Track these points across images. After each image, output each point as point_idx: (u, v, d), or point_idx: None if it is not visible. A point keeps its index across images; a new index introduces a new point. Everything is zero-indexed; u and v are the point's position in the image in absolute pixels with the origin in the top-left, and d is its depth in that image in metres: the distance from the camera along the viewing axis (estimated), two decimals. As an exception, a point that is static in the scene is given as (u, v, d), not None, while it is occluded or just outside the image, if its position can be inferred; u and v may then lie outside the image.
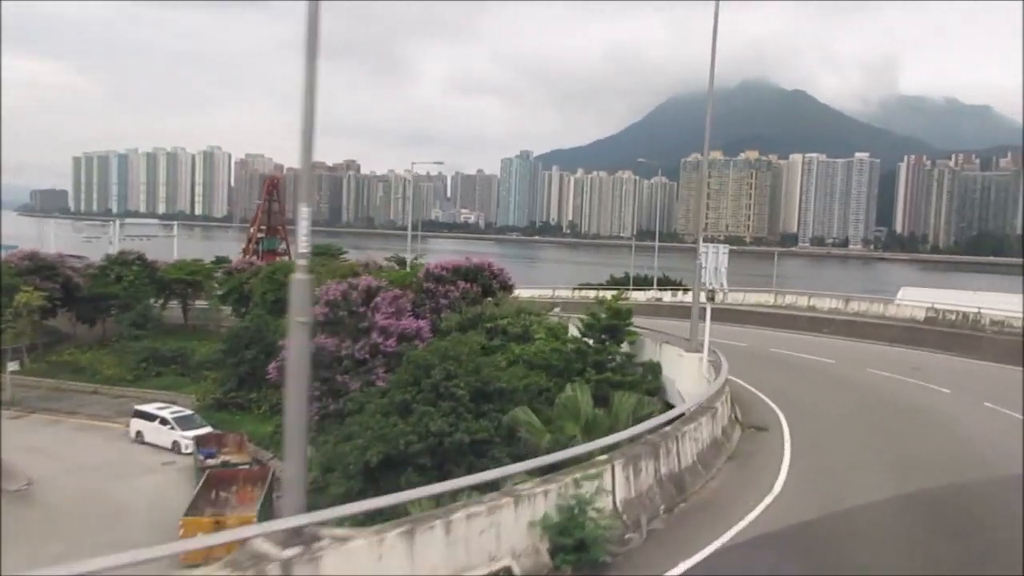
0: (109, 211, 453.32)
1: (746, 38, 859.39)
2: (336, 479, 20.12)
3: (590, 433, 19.28)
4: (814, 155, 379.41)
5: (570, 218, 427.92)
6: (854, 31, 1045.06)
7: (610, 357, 24.59)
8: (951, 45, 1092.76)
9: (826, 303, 46.98)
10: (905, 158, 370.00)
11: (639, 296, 62.63)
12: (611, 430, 20.11)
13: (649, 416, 19.95)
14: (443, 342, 23.39)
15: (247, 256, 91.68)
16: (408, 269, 47.34)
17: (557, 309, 46.02)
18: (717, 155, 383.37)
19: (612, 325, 25.36)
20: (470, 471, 20.14)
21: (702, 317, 19.84)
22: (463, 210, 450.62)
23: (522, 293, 71.41)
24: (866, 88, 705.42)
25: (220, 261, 72.48)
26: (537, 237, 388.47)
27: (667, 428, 11.48)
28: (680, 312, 42.26)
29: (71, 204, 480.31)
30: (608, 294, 67.44)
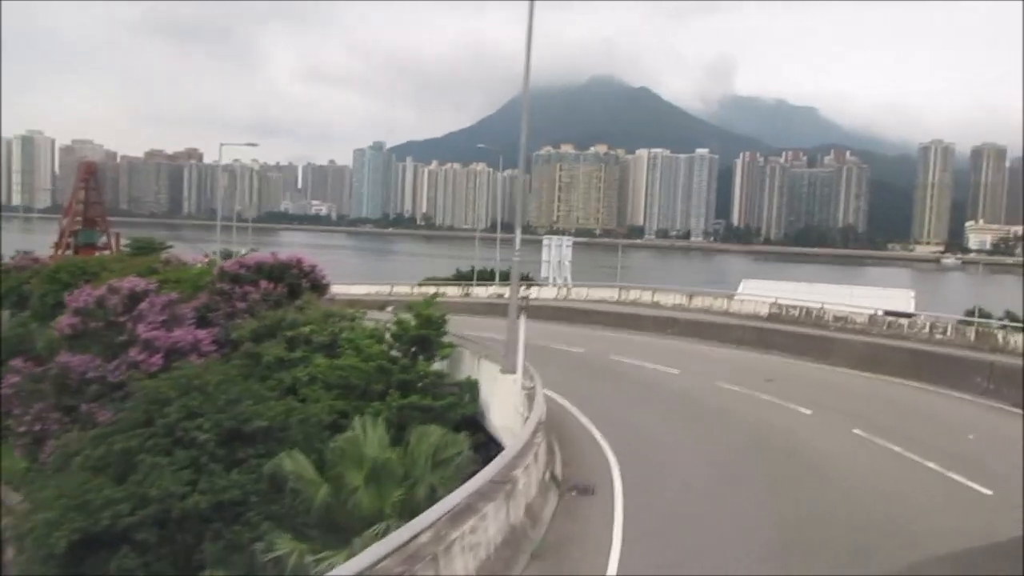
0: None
1: (595, 36, 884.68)
2: (25, 563, 14.47)
3: (377, 482, 14.71)
4: (659, 150, 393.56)
5: (424, 210, 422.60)
6: (694, 32, 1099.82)
7: (420, 375, 20.06)
8: (781, 49, 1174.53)
9: (670, 298, 44.88)
10: (741, 155, 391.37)
11: (480, 292, 58.76)
12: (405, 477, 15.61)
13: (454, 460, 15.68)
14: (187, 369, 17.99)
15: (60, 251, 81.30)
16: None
17: (389, 309, 40.97)
18: (569, 148, 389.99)
19: (422, 336, 20.83)
20: (216, 541, 15.05)
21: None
22: (314, 202, 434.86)
23: (358, 290, 65.68)
24: (706, 88, 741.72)
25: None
26: (391, 229, 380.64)
27: (426, 536, 7.02)
28: (535, 313, 38.54)
29: None
30: (450, 289, 63.42)
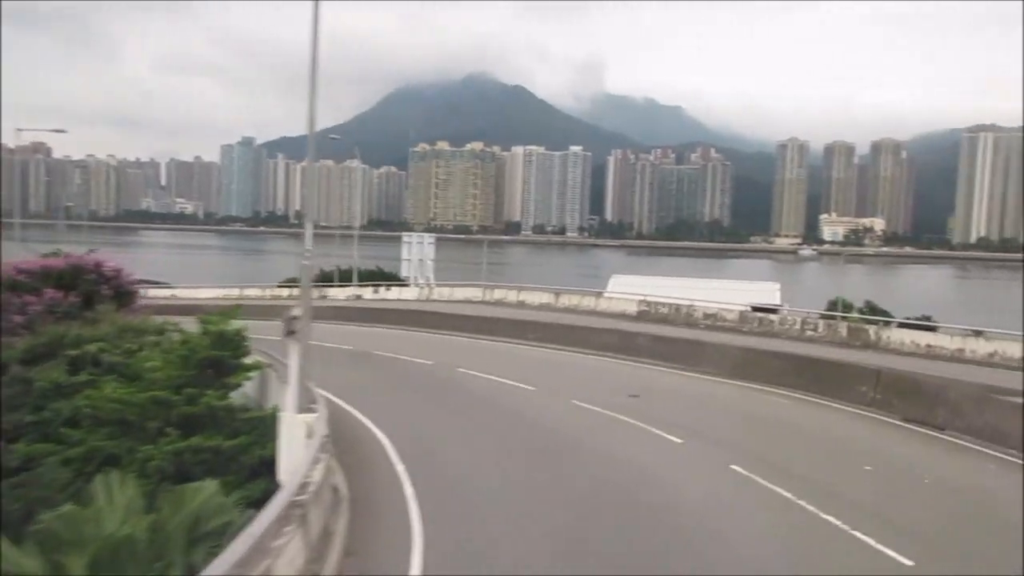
0: None
1: (470, 34, 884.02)
2: None
3: (114, 569, 10.58)
4: (534, 148, 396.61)
5: (298, 208, 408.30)
6: (565, 32, 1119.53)
7: (210, 408, 15.84)
8: (648, 49, 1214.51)
9: (537, 297, 42.16)
10: (613, 152, 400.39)
11: (338, 294, 54.24)
12: (156, 558, 11.55)
13: (222, 532, 11.73)
14: None
15: None
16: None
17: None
18: (444, 145, 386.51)
19: (214, 358, 16.60)
20: None
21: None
22: (179, 200, 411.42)
23: (204, 293, 59.36)
24: (577, 86, 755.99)
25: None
26: (263, 228, 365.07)
27: None
28: (388, 317, 34.58)
29: None
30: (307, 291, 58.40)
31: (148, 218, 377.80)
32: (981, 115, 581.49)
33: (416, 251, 51.48)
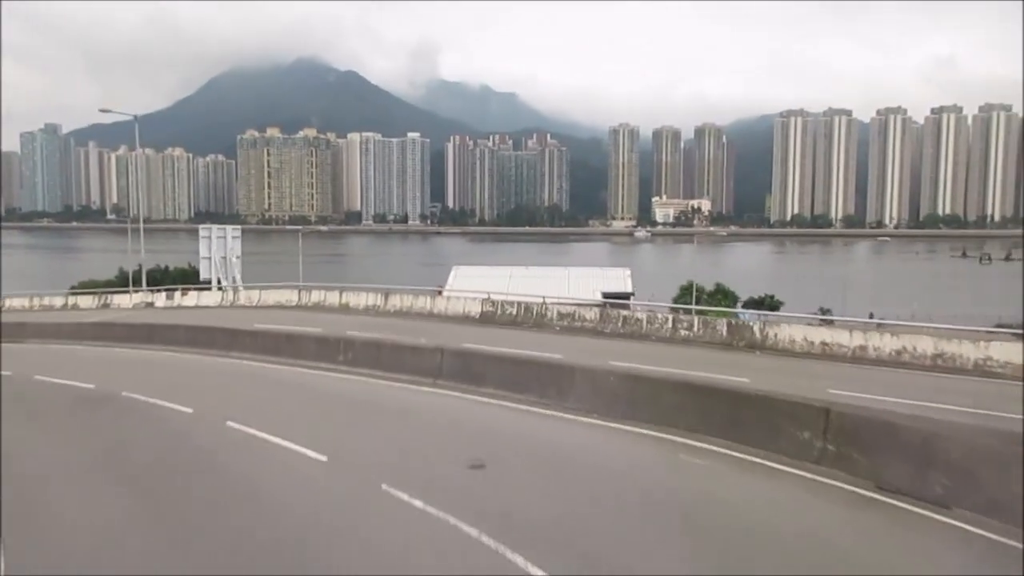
0: None
1: (297, 16, 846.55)
2: None
3: None
4: (371, 134, 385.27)
5: (115, 200, 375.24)
6: (397, 17, 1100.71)
7: None
8: (481, 35, 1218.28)
9: (363, 299, 35.47)
10: (451, 138, 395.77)
11: (124, 301, 44.95)
12: None
13: None
14: None
15: None
16: None
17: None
18: (276, 132, 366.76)
19: None
20: None
21: None
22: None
23: None
24: (412, 72, 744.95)
25: None
26: (76, 224, 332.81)
27: None
28: (166, 336, 26.73)
29: None
30: (85, 299, 48.23)
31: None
32: (790, 103, 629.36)
33: (218, 247, 43.16)
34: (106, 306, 45.09)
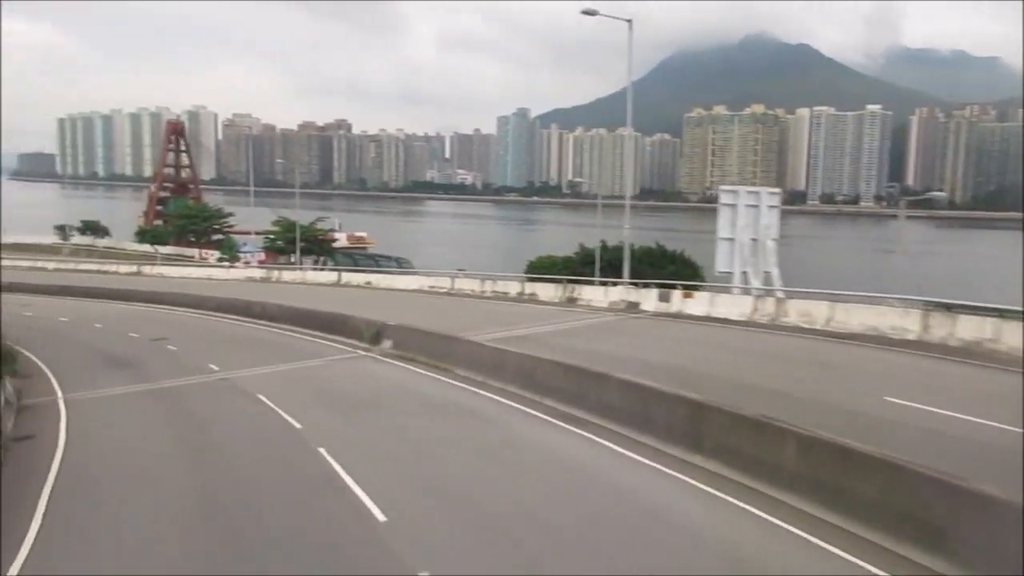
0: (95, 174, 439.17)
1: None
2: None
3: None
4: (823, 109, 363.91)
5: (570, 178, 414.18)
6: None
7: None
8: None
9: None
10: (917, 111, 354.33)
11: (595, 296, 32.97)
12: None
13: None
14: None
15: (148, 220, 78.29)
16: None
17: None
18: (721, 110, 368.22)
19: None
20: None
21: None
22: (460, 171, 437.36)
23: (410, 282, 45.81)
24: (868, 41, 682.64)
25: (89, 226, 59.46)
26: (536, 198, 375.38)
27: None
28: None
29: (58, 167, 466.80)
30: (513, 286, 39.40)
31: (431, 189, 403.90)
32: None
33: (743, 222, 29.33)
34: (571, 300, 33.66)
